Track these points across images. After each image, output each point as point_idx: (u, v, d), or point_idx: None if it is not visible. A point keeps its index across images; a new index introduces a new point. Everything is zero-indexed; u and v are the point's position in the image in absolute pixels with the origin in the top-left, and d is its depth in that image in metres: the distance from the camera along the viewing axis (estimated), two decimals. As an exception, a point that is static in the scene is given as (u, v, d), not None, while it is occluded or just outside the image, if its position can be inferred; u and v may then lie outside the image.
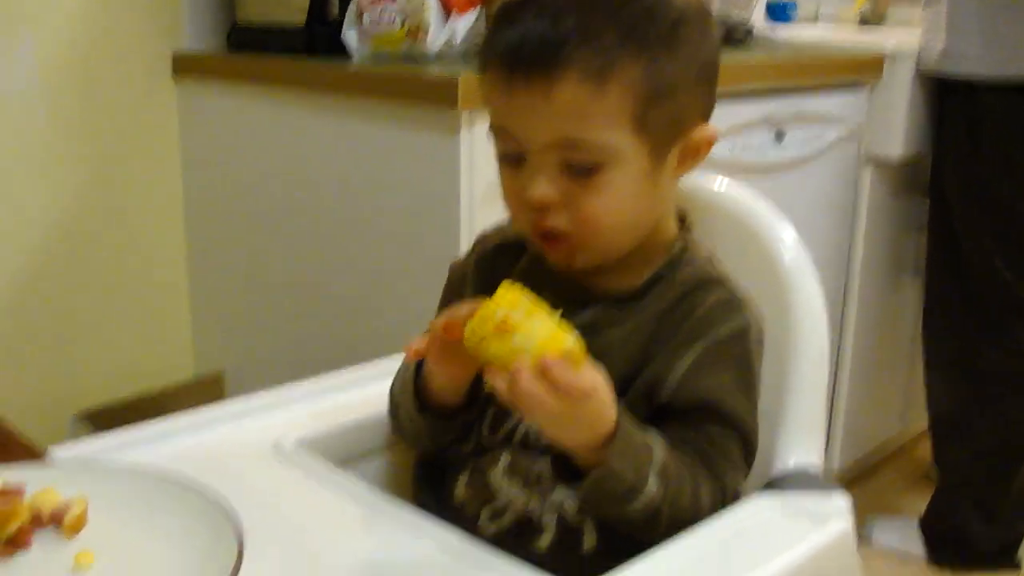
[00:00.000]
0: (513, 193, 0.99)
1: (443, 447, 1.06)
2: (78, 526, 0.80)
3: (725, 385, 0.97)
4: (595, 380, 0.86)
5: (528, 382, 0.83)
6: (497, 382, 0.85)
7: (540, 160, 0.95)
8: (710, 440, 0.96)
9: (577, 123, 0.92)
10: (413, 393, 1.03)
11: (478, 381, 0.99)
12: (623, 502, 0.90)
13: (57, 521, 0.80)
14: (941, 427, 2.43)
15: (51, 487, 0.83)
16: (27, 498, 0.82)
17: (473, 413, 1.03)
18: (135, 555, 0.77)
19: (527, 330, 0.84)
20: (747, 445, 0.98)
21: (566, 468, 0.92)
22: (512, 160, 0.97)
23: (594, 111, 0.92)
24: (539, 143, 0.94)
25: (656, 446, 0.92)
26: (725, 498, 0.95)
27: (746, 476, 0.99)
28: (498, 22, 0.97)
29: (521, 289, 0.87)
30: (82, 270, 2.17)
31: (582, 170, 0.94)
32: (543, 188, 0.95)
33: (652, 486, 0.90)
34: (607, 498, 0.91)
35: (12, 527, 0.78)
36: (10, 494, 0.82)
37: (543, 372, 0.83)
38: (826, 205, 2.37)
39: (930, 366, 2.43)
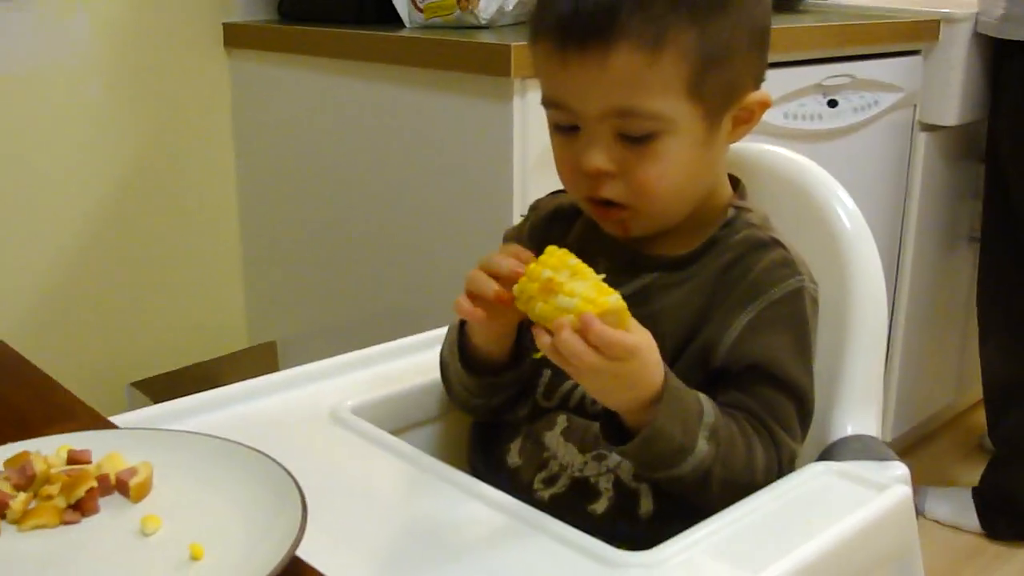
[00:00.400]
0: (567, 162, 0.99)
1: (494, 410, 1.06)
2: (144, 491, 0.81)
3: (779, 346, 0.96)
4: (639, 339, 0.86)
5: (570, 338, 0.83)
6: (542, 339, 0.85)
7: (594, 130, 0.94)
8: (764, 403, 0.95)
9: (632, 92, 0.92)
10: (459, 351, 1.03)
11: (524, 341, 1.00)
12: (672, 463, 0.90)
13: (123, 486, 0.81)
14: (996, 396, 2.40)
15: (117, 453, 0.84)
16: (93, 464, 0.84)
17: (519, 372, 1.03)
18: (200, 519, 0.78)
19: (571, 290, 0.85)
20: (802, 407, 0.97)
21: (615, 429, 0.92)
22: (565, 130, 0.97)
23: (649, 80, 0.92)
24: (593, 113, 0.94)
25: (706, 407, 0.92)
26: (781, 462, 0.95)
27: (803, 439, 0.99)
28: None
29: (566, 252, 0.88)
30: (136, 241, 2.19)
31: (637, 139, 0.94)
32: (598, 158, 0.95)
33: (702, 447, 0.90)
34: (656, 459, 0.91)
35: (80, 492, 0.79)
36: (77, 460, 0.84)
37: (585, 329, 0.83)
38: (880, 172, 2.34)
39: (985, 334, 2.40)
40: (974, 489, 2.40)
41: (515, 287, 0.88)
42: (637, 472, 0.98)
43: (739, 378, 0.96)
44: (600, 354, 0.83)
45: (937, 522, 2.41)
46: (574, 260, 0.87)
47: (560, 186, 1.04)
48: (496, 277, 0.90)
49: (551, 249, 0.88)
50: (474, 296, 0.92)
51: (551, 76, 0.96)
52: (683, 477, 0.91)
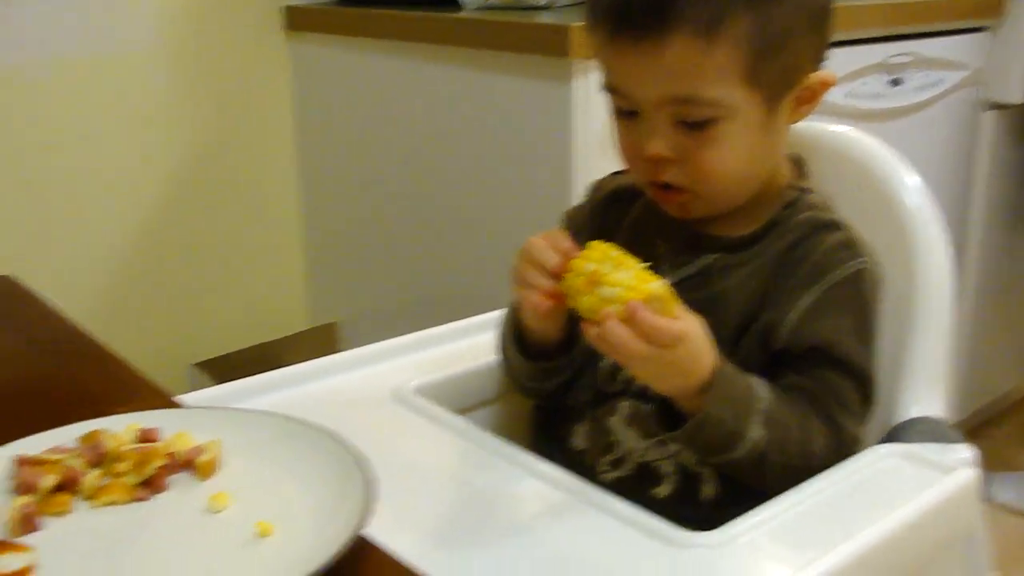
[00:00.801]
0: (628, 147, 0.99)
1: (549, 394, 1.07)
2: (212, 469, 0.82)
3: (841, 328, 0.95)
4: (685, 326, 0.86)
5: (615, 327, 0.83)
6: (590, 332, 0.86)
7: (653, 116, 0.94)
8: (824, 385, 0.95)
9: (688, 80, 0.92)
10: (513, 337, 1.03)
11: (575, 328, 1.00)
12: (725, 449, 0.90)
13: (191, 464, 0.82)
14: None
15: (185, 432, 0.86)
16: (162, 442, 0.85)
17: (571, 357, 1.03)
18: (268, 497, 0.79)
19: (614, 280, 0.85)
20: (864, 390, 0.96)
21: (671, 415, 0.92)
22: (626, 114, 0.97)
23: (704, 67, 0.91)
24: (651, 100, 0.94)
25: (760, 391, 0.91)
26: (841, 445, 0.94)
27: (864, 423, 0.98)
28: None
29: (610, 245, 0.88)
30: (199, 224, 2.21)
31: (695, 124, 0.93)
32: (657, 144, 0.95)
33: (754, 432, 0.90)
34: (707, 444, 0.91)
35: (150, 470, 0.80)
36: (147, 438, 0.85)
37: (631, 317, 0.83)
38: (944, 152, 2.31)
39: None
40: None
41: (562, 284, 0.89)
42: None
43: (800, 360, 0.95)
44: (647, 342, 0.84)
45: (1004, 507, 2.38)
46: (616, 252, 0.88)
47: (620, 167, 1.04)
48: (544, 269, 0.91)
49: (594, 243, 0.89)
50: (527, 287, 0.92)
51: (608, 63, 0.97)
52: (737, 461, 0.91)
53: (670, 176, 0.97)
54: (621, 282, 0.85)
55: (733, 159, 0.95)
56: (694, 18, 0.90)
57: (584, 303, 0.87)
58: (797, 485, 0.90)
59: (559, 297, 0.90)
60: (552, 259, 0.90)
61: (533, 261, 0.91)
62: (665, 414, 0.93)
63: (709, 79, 0.91)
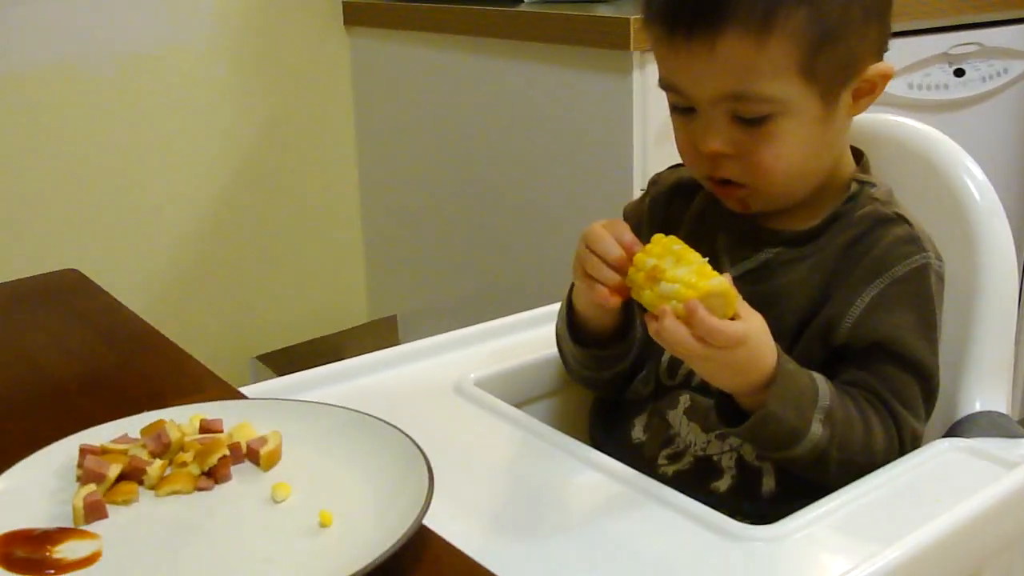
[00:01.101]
0: (687, 143, 0.98)
1: (606, 384, 1.07)
2: (274, 459, 0.83)
3: (903, 324, 0.94)
4: (745, 328, 0.85)
5: (671, 325, 0.83)
6: (651, 327, 0.86)
7: (710, 113, 0.94)
8: (886, 381, 0.94)
9: (743, 77, 0.91)
10: (568, 323, 1.04)
11: (632, 316, 1.01)
12: (785, 445, 0.90)
13: (254, 455, 0.83)
14: None
15: (247, 423, 0.87)
16: (225, 433, 0.86)
17: (627, 346, 1.03)
18: (329, 487, 0.79)
19: (673, 276, 0.85)
20: (926, 386, 0.95)
21: (731, 410, 0.92)
22: (683, 111, 0.97)
23: (759, 64, 0.90)
24: (707, 97, 0.93)
25: (822, 390, 0.91)
26: (903, 441, 0.93)
27: (927, 419, 0.97)
28: None
29: (672, 238, 0.88)
30: (260, 218, 2.24)
31: (752, 120, 0.93)
32: (715, 141, 0.94)
33: (816, 430, 0.89)
34: (769, 441, 0.90)
35: (213, 460, 0.81)
36: (209, 429, 0.87)
37: (689, 317, 0.83)
38: (1009, 143, 2.27)
39: None
40: None
41: (626, 279, 0.89)
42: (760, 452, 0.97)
43: (862, 356, 0.95)
44: (704, 343, 0.83)
45: None
46: (679, 246, 0.87)
47: (680, 160, 1.04)
48: (606, 261, 0.91)
49: (657, 237, 0.89)
50: (589, 279, 0.92)
51: (663, 61, 0.97)
52: (798, 458, 0.90)
53: (728, 172, 0.96)
54: (680, 279, 0.84)
55: (791, 154, 0.94)
56: (746, 14, 0.89)
57: (646, 298, 0.87)
58: (855, 480, 0.89)
59: (623, 291, 0.90)
60: (614, 250, 0.90)
61: (596, 251, 0.91)
62: (726, 408, 0.92)
63: (764, 75, 0.91)
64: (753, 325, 0.86)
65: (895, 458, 0.93)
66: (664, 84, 0.98)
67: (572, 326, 1.04)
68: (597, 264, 0.91)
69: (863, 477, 0.89)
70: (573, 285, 1.01)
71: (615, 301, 0.91)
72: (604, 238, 0.91)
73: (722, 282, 0.84)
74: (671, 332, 0.84)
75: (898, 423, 0.93)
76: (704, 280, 0.84)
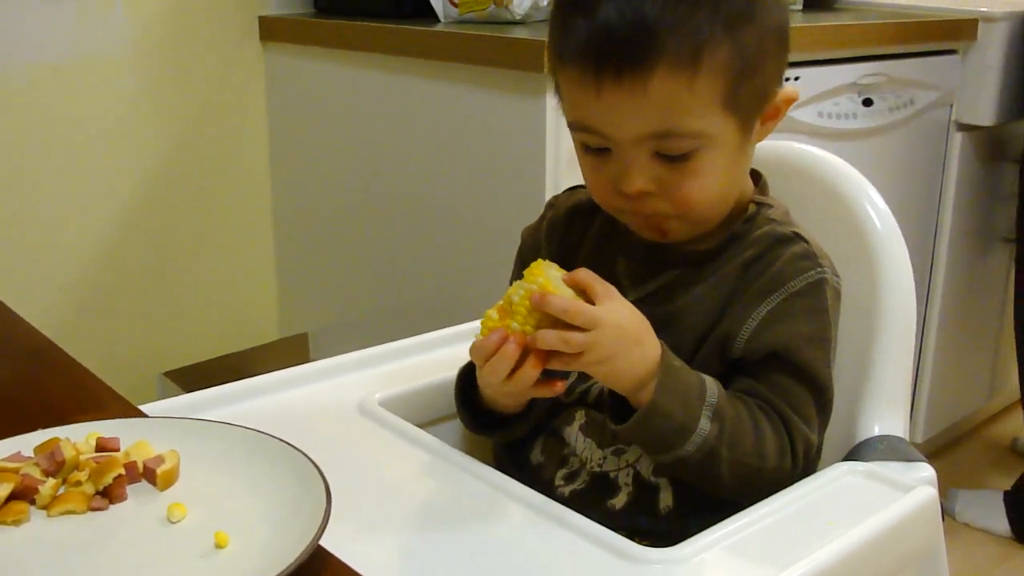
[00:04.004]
0: (601, 182, 0.97)
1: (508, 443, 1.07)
2: (171, 479, 0.82)
3: (798, 334, 0.95)
4: (603, 311, 0.87)
5: (544, 335, 0.85)
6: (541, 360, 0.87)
7: (631, 153, 0.93)
8: (778, 390, 0.95)
9: (670, 115, 0.90)
10: (470, 418, 1.04)
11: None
12: (674, 443, 0.90)
13: (150, 474, 0.82)
14: None
15: (145, 441, 0.85)
16: (122, 451, 0.84)
17: (530, 420, 1.03)
18: (226, 508, 0.78)
19: (519, 302, 0.88)
20: (819, 398, 0.97)
21: (623, 412, 0.92)
22: (595, 151, 0.96)
23: (687, 101, 0.89)
24: (630, 138, 0.92)
25: (710, 387, 0.92)
26: (795, 448, 0.94)
27: (822, 430, 0.99)
28: (566, 12, 0.93)
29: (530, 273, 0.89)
30: (170, 232, 2.21)
31: (676, 157, 0.92)
32: (638, 181, 0.93)
33: (704, 425, 0.90)
34: (657, 438, 0.91)
35: (107, 479, 0.80)
36: (106, 447, 0.85)
37: (542, 306, 0.85)
38: (915, 172, 2.33)
39: (1021, 349, 2.38)
40: (1005, 493, 2.38)
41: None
42: (656, 467, 0.98)
43: (756, 367, 0.96)
44: (566, 328, 0.85)
45: (967, 525, 2.39)
46: (531, 280, 0.89)
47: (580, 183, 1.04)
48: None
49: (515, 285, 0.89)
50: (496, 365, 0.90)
51: (581, 102, 0.93)
52: (688, 458, 0.90)
53: (651, 207, 0.95)
54: (522, 298, 0.87)
55: (714, 185, 0.95)
56: (676, 50, 0.87)
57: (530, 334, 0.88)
58: (753, 489, 0.91)
59: (521, 342, 0.88)
60: (492, 339, 0.89)
61: (483, 354, 0.90)
62: (618, 409, 0.92)
63: (692, 111, 0.90)
64: (616, 309, 0.88)
65: (788, 466, 0.94)
66: (579, 126, 0.95)
67: (475, 418, 1.03)
68: (502, 364, 0.89)
69: (759, 497, 0.90)
70: (464, 376, 1.02)
71: (560, 387, 0.91)
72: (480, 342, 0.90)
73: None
74: (545, 338, 0.85)
75: (789, 429, 0.94)
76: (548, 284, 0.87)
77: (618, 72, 0.88)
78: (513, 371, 0.88)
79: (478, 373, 0.93)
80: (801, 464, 0.95)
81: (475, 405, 1.03)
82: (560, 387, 0.91)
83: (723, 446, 0.90)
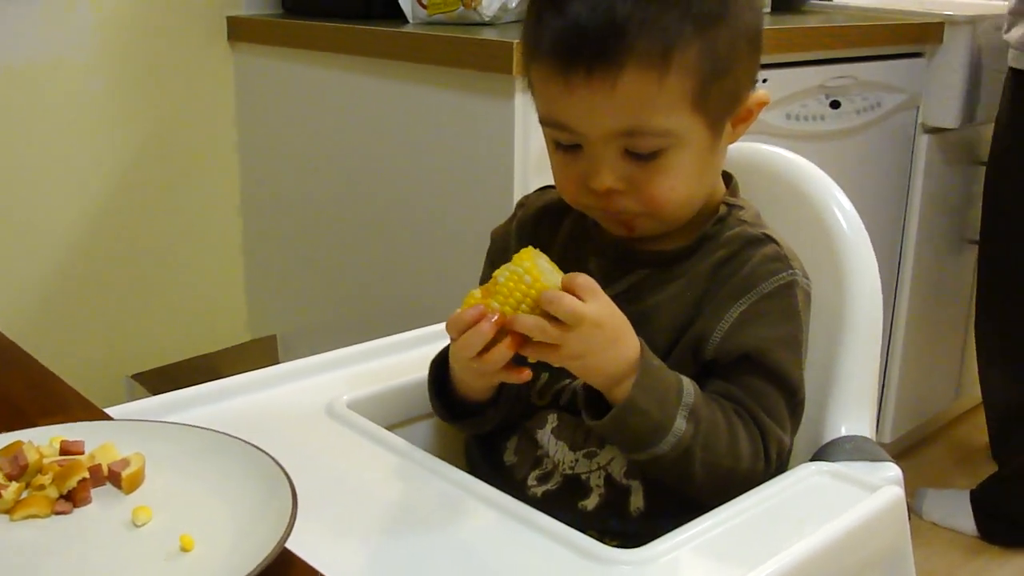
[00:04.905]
0: (571, 179, 0.98)
1: (482, 434, 1.07)
2: (136, 482, 0.81)
3: (769, 337, 0.96)
4: (590, 308, 0.86)
5: (522, 316, 0.85)
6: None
7: (601, 150, 0.93)
8: (750, 391, 0.95)
9: (640, 112, 0.91)
10: (441, 404, 1.04)
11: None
12: (650, 441, 0.90)
13: (115, 477, 0.81)
14: (998, 418, 2.40)
15: (110, 444, 0.85)
16: (86, 455, 0.84)
17: (500, 408, 1.03)
18: (191, 511, 0.78)
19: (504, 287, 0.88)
20: (791, 399, 0.97)
21: (600, 408, 0.92)
22: (566, 148, 0.96)
23: (657, 98, 0.90)
24: (600, 134, 0.92)
25: (686, 387, 0.92)
26: (768, 451, 0.95)
27: (793, 431, 0.99)
28: (541, 9, 0.94)
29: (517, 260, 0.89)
30: (139, 234, 2.19)
31: (645, 155, 0.93)
32: (607, 178, 0.94)
33: (680, 424, 0.90)
34: (633, 436, 0.91)
35: (72, 483, 0.79)
36: (70, 451, 0.84)
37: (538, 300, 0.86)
38: (882, 174, 2.34)
39: (984, 359, 2.40)
40: (972, 492, 2.40)
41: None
42: (628, 469, 0.98)
43: (728, 369, 0.96)
44: (556, 325, 0.85)
45: (934, 524, 2.41)
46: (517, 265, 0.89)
47: (550, 182, 1.04)
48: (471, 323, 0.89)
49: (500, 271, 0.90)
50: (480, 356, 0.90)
51: (552, 97, 0.94)
52: (663, 457, 0.91)
53: (619, 205, 0.96)
54: (507, 279, 0.88)
55: (683, 185, 0.95)
56: (646, 49, 0.89)
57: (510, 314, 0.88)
58: (726, 490, 0.91)
59: (499, 320, 0.88)
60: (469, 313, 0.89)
61: (459, 327, 0.90)
62: (594, 405, 0.92)
63: (661, 109, 0.91)
64: (599, 308, 0.87)
65: (761, 467, 0.94)
66: (550, 122, 0.96)
67: (447, 406, 1.03)
68: (476, 338, 0.89)
69: (731, 498, 0.90)
70: (438, 365, 1.03)
71: (527, 375, 0.91)
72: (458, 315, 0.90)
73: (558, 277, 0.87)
74: (523, 321, 0.85)
75: (763, 431, 0.95)
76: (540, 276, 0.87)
77: (588, 68, 0.89)
78: (486, 350, 0.88)
79: (451, 346, 0.94)
80: (774, 466, 0.96)
81: (447, 393, 1.03)
82: (527, 375, 0.90)
83: (698, 446, 0.91)
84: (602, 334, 0.87)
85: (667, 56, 0.89)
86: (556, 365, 0.90)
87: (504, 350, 0.87)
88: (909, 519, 0.96)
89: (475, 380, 0.98)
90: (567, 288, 0.87)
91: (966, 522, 2.38)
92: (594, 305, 0.87)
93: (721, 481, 0.92)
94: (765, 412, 0.95)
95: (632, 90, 0.89)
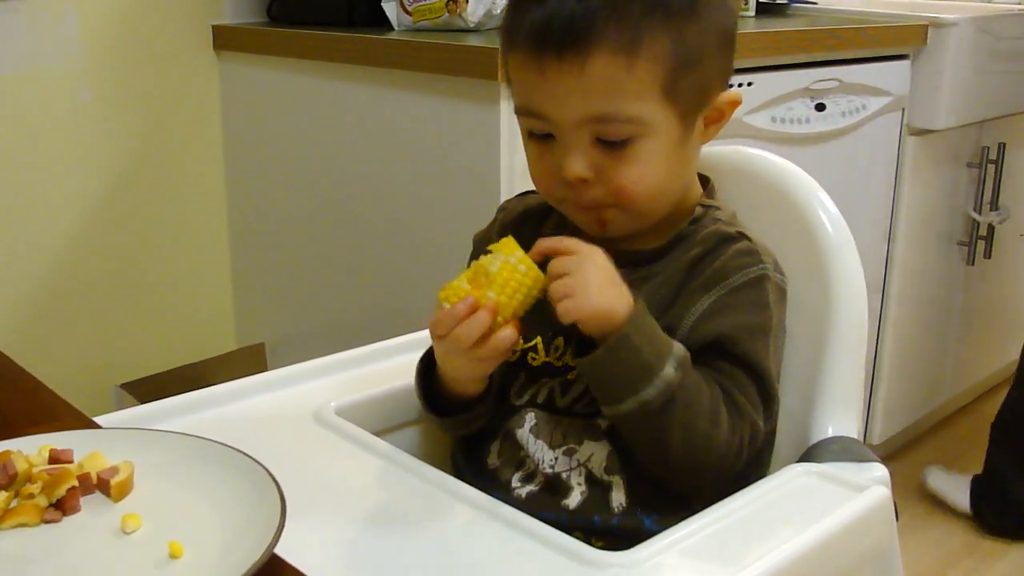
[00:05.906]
0: (544, 170, 1.00)
1: (465, 435, 1.08)
2: (125, 490, 0.82)
3: (739, 325, 0.97)
4: (584, 246, 0.92)
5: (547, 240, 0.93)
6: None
7: (571, 137, 0.96)
8: (723, 374, 0.96)
9: (609, 98, 0.93)
10: (428, 401, 1.05)
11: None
12: (638, 381, 0.90)
13: (104, 485, 0.81)
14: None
15: (99, 452, 0.85)
16: (75, 463, 0.84)
17: (489, 404, 1.04)
18: (180, 518, 0.78)
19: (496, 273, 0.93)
20: (761, 386, 0.98)
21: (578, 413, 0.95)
22: (540, 138, 0.99)
23: (626, 85, 0.93)
24: (571, 121, 0.95)
25: (678, 344, 0.93)
26: (741, 432, 0.95)
27: (767, 422, 0.99)
28: (519, 1, 0.98)
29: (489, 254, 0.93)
30: (125, 243, 2.19)
31: (615, 143, 0.95)
32: (578, 166, 0.96)
33: (669, 371, 0.91)
34: (621, 375, 0.91)
35: (61, 491, 0.79)
36: (59, 459, 0.84)
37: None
38: (868, 176, 2.35)
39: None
40: (975, 477, 2.44)
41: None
42: (608, 465, 0.98)
43: (698, 355, 0.96)
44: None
45: (934, 496, 2.48)
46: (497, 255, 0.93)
47: (531, 188, 1.05)
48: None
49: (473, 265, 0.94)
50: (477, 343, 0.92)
51: (527, 85, 0.97)
52: (647, 405, 0.90)
53: (591, 194, 0.98)
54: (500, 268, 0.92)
55: (652, 176, 0.97)
56: (616, 35, 0.92)
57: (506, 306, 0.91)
58: (701, 464, 0.92)
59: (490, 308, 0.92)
60: (459, 308, 0.92)
61: (447, 322, 0.93)
62: (584, 346, 0.93)
63: (629, 96, 0.94)
64: (594, 250, 0.92)
65: (736, 445, 0.94)
66: (524, 110, 0.99)
67: (434, 402, 1.04)
68: (475, 327, 0.92)
69: (703, 479, 0.92)
70: (424, 364, 1.04)
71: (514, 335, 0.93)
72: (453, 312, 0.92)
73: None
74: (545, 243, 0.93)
75: (738, 409, 0.95)
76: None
77: (559, 53, 0.93)
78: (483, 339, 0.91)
79: (440, 345, 0.96)
80: (747, 447, 0.96)
81: (434, 394, 1.04)
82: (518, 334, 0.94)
83: (680, 402, 0.91)
84: (605, 272, 0.91)
85: (636, 42, 0.92)
86: (561, 305, 0.91)
87: (510, 331, 0.91)
88: (896, 519, 0.96)
89: (474, 369, 0.98)
90: (560, 246, 0.93)
91: (962, 500, 2.44)
92: (588, 249, 0.92)
93: (697, 450, 0.92)
94: (740, 393, 0.96)
95: (601, 75, 0.92)
